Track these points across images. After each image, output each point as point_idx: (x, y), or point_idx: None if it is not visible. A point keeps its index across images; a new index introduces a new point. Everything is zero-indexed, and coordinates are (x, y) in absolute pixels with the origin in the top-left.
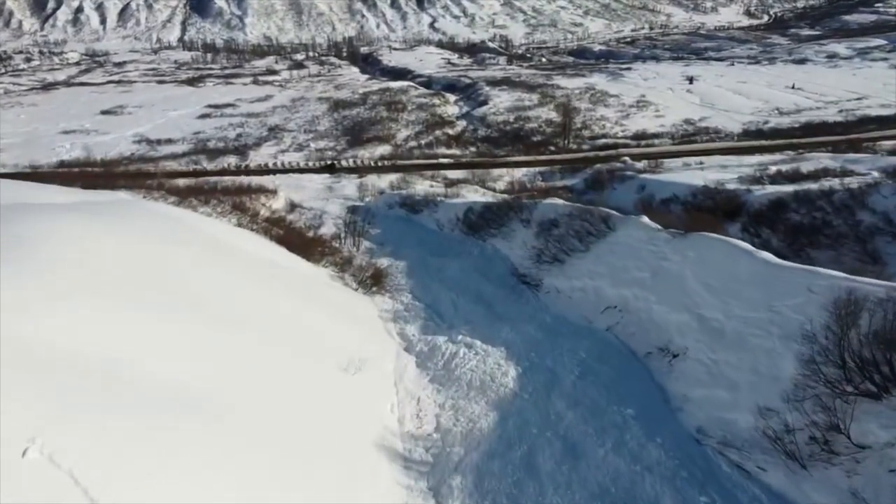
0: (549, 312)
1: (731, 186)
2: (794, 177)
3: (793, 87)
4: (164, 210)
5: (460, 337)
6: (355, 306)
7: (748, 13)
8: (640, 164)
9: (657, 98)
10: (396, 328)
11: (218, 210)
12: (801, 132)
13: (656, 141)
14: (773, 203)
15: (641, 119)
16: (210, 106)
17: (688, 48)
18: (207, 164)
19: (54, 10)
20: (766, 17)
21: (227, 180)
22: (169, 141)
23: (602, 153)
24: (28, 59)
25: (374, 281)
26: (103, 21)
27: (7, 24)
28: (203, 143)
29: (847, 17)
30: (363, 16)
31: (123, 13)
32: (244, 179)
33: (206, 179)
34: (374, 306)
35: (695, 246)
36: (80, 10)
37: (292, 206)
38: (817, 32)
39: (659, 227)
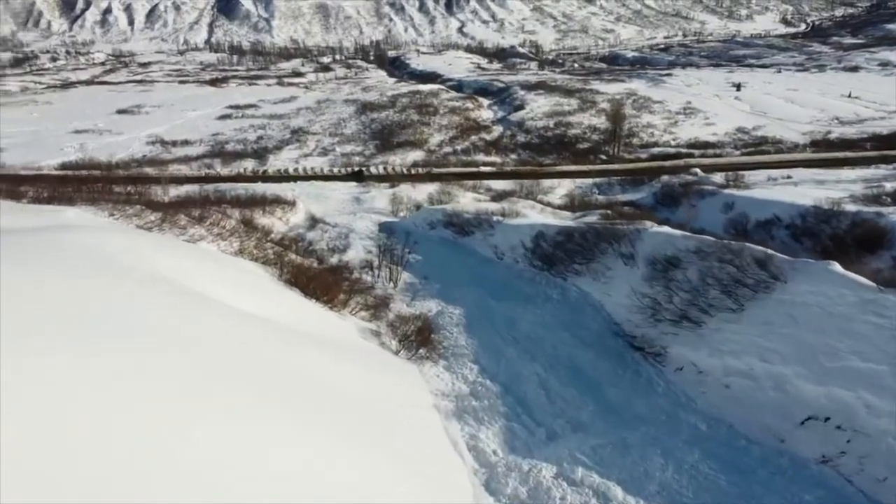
0: (695, 410)
1: (849, 208)
2: None
3: (849, 96)
4: (111, 243)
5: (579, 471)
6: (397, 387)
7: (785, 21)
8: (718, 178)
9: (704, 105)
10: (464, 434)
11: (216, 230)
12: (880, 143)
13: (717, 150)
14: None
15: (690, 127)
16: (231, 107)
17: (725, 55)
18: (221, 169)
19: (83, 11)
20: (803, 26)
21: (241, 187)
22: (185, 142)
23: (667, 163)
24: (54, 59)
25: (420, 339)
26: (131, 22)
27: (36, 24)
28: (220, 146)
29: (890, 26)
30: (391, 19)
31: (151, 15)
32: (259, 187)
33: (216, 186)
34: (424, 384)
35: None
36: (108, 11)
37: (313, 222)
38: (860, 41)
39: (872, 283)
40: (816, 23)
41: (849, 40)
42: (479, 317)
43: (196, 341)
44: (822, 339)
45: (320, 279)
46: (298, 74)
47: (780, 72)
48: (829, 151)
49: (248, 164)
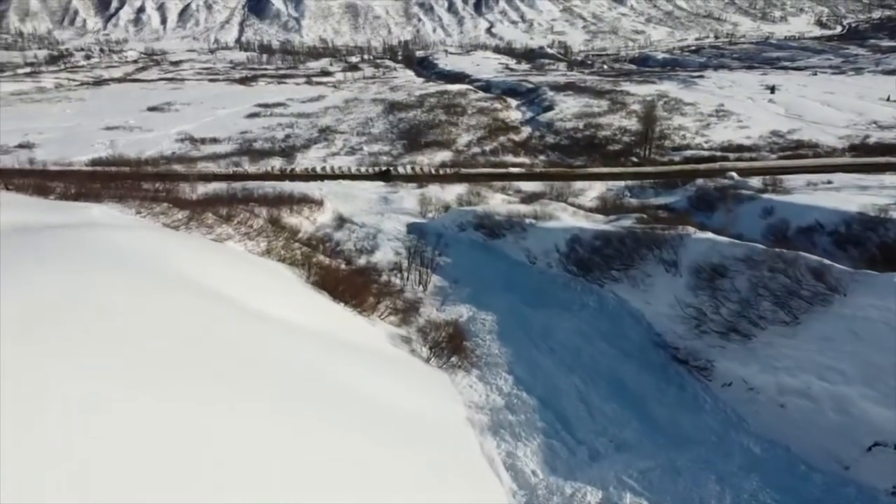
0: (747, 430)
1: None
2: None
3: (887, 99)
4: (135, 244)
5: (627, 497)
6: (429, 398)
7: (820, 23)
8: (755, 182)
9: (737, 108)
10: (500, 451)
11: (243, 229)
12: None
13: (752, 154)
14: None
15: (724, 130)
16: (260, 105)
17: (758, 57)
18: (249, 167)
19: (117, 10)
20: (839, 28)
21: (269, 185)
22: (214, 140)
23: (701, 167)
24: (88, 57)
25: (452, 346)
26: (164, 21)
27: (72, 22)
28: (248, 144)
29: None
30: (419, 20)
31: (183, 14)
32: (287, 186)
33: (244, 184)
34: (456, 395)
35: None
36: (141, 9)
37: (341, 221)
38: None
39: None
40: (853, 25)
41: (886, 42)
42: (512, 324)
43: (233, 350)
44: (890, 357)
45: (349, 282)
46: (327, 73)
47: (815, 74)
48: (868, 156)
49: (276, 163)
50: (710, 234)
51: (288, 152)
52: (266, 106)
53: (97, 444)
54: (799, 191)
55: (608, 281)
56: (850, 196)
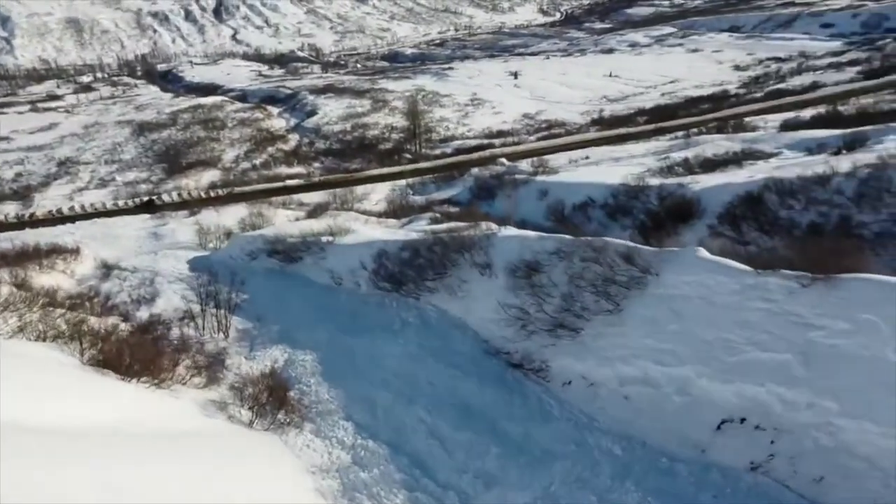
0: (600, 429)
1: (652, 182)
2: (709, 164)
3: (610, 76)
4: None
5: None
6: (262, 476)
7: (542, 11)
8: (525, 165)
9: (488, 95)
10: None
11: None
12: (649, 116)
13: (514, 138)
14: (744, 199)
15: (482, 117)
16: None
17: (496, 46)
18: None
19: None
20: (558, 14)
21: (3, 238)
22: None
23: (474, 156)
24: None
25: (275, 401)
26: None
27: None
28: None
29: (629, 11)
30: (155, 31)
31: None
32: (29, 236)
33: None
34: (294, 461)
35: (866, 301)
36: None
37: (107, 269)
38: (608, 25)
39: (747, 267)
40: (569, 11)
41: (599, 25)
42: (335, 359)
43: None
44: (714, 332)
45: (136, 349)
46: (55, 97)
47: (548, 58)
48: (610, 129)
49: (10, 208)
50: (516, 231)
51: (23, 194)
52: None
53: None
54: (564, 169)
55: (424, 293)
56: (609, 169)
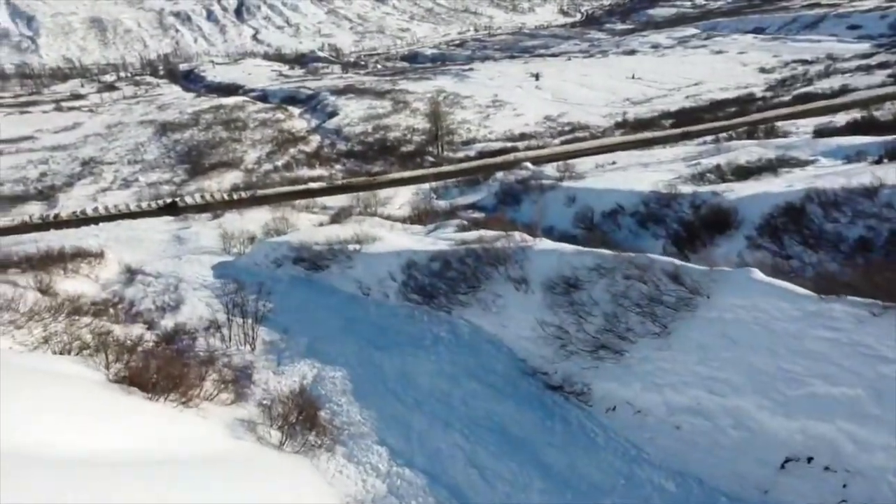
0: (650, 462)
1: (684, 189)
2: (742, 171)
3: (633, 77)
4: None
5: None
6: None
7: (562, 12)
8: (550, 169)
9: (510, 97)
10: None
11: (7, 315)
12: (674, 120)
13: (537, 141)
14: (785, 210)
15: (503, 119)
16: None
17: (517, 47)
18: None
19: None
20: (578, 15)
21: (28, 239)
22: None
23: (498, 160)
24: None
25: (306, 421)
26: None
27: None
28: None
29: (651, 12)
30: (177, 30)
31: None
32: (53, 238)
33: None
34: (326, 488)
35: None
36: None
37: (130, 274)
38: (630, 26)
39: (808, 292)
40: (589, 12)
41: (620, 26)
42: (365, 377)
43: None
44: (773, 361)
45: (162, 363)
46: (79, 97)
47: (570, 59)
48: (634, 132)
49: (34, 209)
50: (553, 244)
51: (47, 194)
52: (9, 142)
53: None
54: (591, 174)
55: (456, 306)
56: (638, 175)
